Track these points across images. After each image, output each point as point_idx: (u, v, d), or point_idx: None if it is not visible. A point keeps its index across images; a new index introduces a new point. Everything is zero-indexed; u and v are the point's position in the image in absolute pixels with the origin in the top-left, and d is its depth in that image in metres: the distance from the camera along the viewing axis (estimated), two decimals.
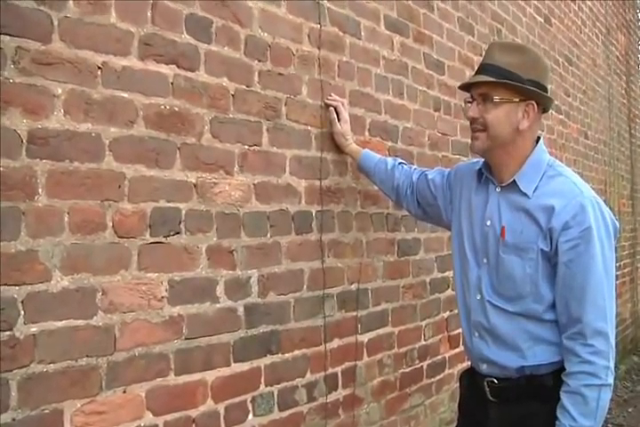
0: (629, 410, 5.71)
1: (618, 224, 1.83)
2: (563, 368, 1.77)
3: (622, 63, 7.08)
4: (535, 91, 1.78)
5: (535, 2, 4.45)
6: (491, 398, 1.89)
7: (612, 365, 1.71)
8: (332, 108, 2.37)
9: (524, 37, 4.23)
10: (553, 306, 1.79)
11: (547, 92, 1.83)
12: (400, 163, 2.39)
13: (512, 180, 1.84)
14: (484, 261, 1.89)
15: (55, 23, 1.51)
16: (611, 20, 6.60)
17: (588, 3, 5.79)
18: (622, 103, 6.98)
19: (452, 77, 3.32)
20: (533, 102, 1.80)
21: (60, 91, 1.53)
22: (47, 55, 1.50)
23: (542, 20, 4.58)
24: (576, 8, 5.41)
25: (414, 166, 2.42)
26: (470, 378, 2.02)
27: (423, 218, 2.44)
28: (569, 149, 5.01)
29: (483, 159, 1.96)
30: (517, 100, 1.78)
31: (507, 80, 1.76)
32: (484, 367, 1.92)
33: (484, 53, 3.56)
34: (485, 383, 1.90)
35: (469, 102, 1.85)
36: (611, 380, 1.71)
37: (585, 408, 1.69)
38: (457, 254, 2.01)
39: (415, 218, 2.57)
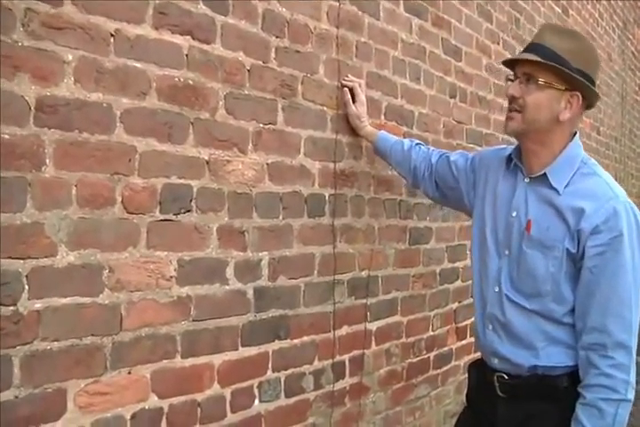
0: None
1: None
2: (575, 372, 1.70)
3: (637, 59, 6.97)
4: (582, 81, 1.66)
5: None
6: (500, 393, 1.81)
7: (632, 380, 1.61)
8: (346, 89, 2.29)
9: None
10: (574, 310, 1.70)
11: (594, 87, 1.70)
12: (417, 144, 2.30)
13: (543, 172, 1.73)
14: (506, 252, 1.78)
15: None
16: (628, 15, 6.49)
17: None
18: (635, 100, 6.88)
19: (469, 65, 3.24)
20: (578, 94, 1.68)
21: (70, 57, 1.45)
22: (58, 19, 1.42)
23: (560, 11, 4.49)
24: (594, 0, 5.31)
25: (432, 148, 2.32)
26: (480, 371, 1.92)
27: (441, 201, 2.34)
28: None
29: (510, 146, 1.87)
30: (563, 88, 1.66)
31: (555, 63, 1.64)
32: (495, 362, 1.83)
33: (501, 42, 3.55)
34: (495, 378, 1.82)
35: (511, 80, 1.74)
36: (631, 395, 1.60)
37: (600, 422, 1.60)
38: (477, 242, 1.90)
39: (433, 201, 2.47)
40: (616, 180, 5.40)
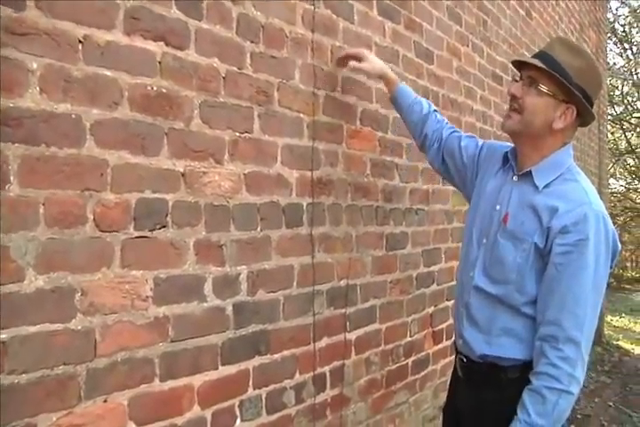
0: (596, 400, 5.69)
1: (620, 247, 1.77)
2: (527, 366, 1.75)
3: None
4: (579, 97, 1.72)
5: None
6: (460, 375, 1.95)
7: (577, 375, 1.66)
8: (347, 56, 2.25)
9: (508, 30, 4.08)
10: (534, 302, 1.75)
11: (591, 106, 1.77)
12: (434, 110, 2.29)
13: (529, 170, 1.80)
14: (484, 241, 1.87)
15: None
16: (584, 18, 6.50)
17: None
18: None
19: (441, 67, 3.16)
20: (574, 108, 1.75)
21: (35, 65, 1.32)
22: (21, 24, 1.28)
23: (524, 14, 4.44)
24: (554, 3, 5.29)
25: (445, 119, 2.30)
26: (455, 352, 2.04)
27: (445, 176, 2.33)
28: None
29: (510, 144, 1.95)
30: (560, 98, 1.74)
31: (557, 74, 1.71)
32: (460, 343, 1.94)
33: (470, 44, 3.47)
34: (458, 360, 1.96)
35: (516, 80, 1.82)
36: (573, 389, 1.66)
37: (542, 408, 1.66)
38: (466, 230, 1.99)
39: (437, 173, 2.42)
40: None
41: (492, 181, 1.94)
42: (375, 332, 2.63)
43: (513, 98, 1.79)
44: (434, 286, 3.13)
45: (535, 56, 1.80)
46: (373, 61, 2.27)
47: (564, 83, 1.71)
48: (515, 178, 1.85)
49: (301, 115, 2.12)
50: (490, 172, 1.98)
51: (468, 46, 3.47)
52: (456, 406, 2.01)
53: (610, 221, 1.72)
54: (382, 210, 2.65)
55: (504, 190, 1.86)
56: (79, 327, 1.42)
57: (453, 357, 2.07)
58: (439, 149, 2.23)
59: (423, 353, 3.06)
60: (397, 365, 2.82)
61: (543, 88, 1.73)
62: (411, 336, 2.94)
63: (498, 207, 1.85)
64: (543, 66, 1.72)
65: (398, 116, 2.73)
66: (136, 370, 1.56)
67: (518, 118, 1.78)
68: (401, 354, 2.85)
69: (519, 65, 1.83)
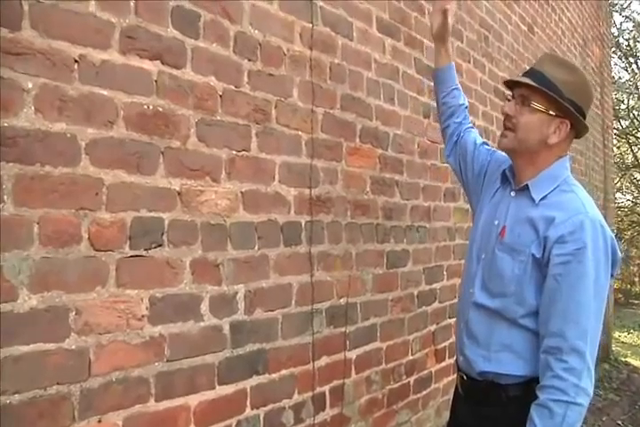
0: (604, 419, 5.62)
1: (620, 255, 1.76)
2: (528, 384, 1.73)
3: (597, 75, 7.03)
4: (571, 110, 1.74)
5: (520, 11, 4.33)
6: (461, 392, 1.94)
7: (584, 385, 1.63)
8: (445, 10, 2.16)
9: (510, 45, 4.11)
10: (533, 314, 1.75)
11: (584, 118, 1.79)
12: (466, 106, 2.27)
13: (525, 184, 1.82)
14: (483, 256, 1.88)
15: (25, 8, 1.31)
16: (587, 32, 6.53)
17: (568, 14, 5.71)
18: (597, 114, 6.92)
19: None
20: (567, 122, 1.76)
21: (30, 85, 1.33)
22: (16, 44, 1.30)
23: (526, 29, 4.47)
24: (556, 18, 5.32)
25: (468, 117, 2.27)
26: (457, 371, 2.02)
27: (455, 171, 2.25)
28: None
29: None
30: (554, 114, 1.75)
31: (548, 90, 1.73)
32: (460, 360, 1.93)
33: (472, 60, 3.49)
34: (458, 377, 1.95)
35: (508, 100, 1.84)
36: (581, 400, 1.63)
37: (550, 422, 1.64)
38: (468, 247, 2.00)
39: (449, 165, 2.32)
40: None
41: (493, 197, 1.96)
42: (376, 350, 2.63)
43: (507, 117, 1.82)
44: (436, 304, 3.12)
45: (525, 74, 1.82)
46: (452, 19, 2.21)
47: (557, 98, 1.73)
48: (512, 193, 1.87)
49: (299, 132, 2.13)
50: (491, 188, 1.99)
51: (469, 62, 3.49)
52: (458, 425, 1.99)
53: (608, 229, 1.71)
54: (382, 227, 2.65)
55: (502, 205, 1.88)
56: (73, 347, 1.42)
57: (456, 374, 2.05)
58: (456, 144, 2.20)
59: (425, 371, 3.05)
60: (399, 383, 2.81)
61: (536, 105, 1.75)
62: (412, 354, 2.92)
63: (496, 222, 1.87)
64: (534, 84, 1.74)
65: (399, 133, 2.76)
66: (131, 390, 1.56)
67: (513, 136, 1.80)
68: (402, 373, 2.84)
69: (511, 84, 1.85)
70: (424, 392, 3.03)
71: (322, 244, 2.25)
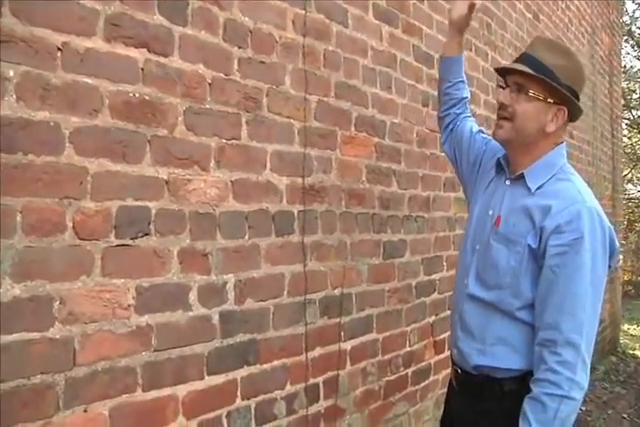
0: (609, 412, 5.62)
1: (618, 245, 1.75)
2: (524, 378, 1.72)
3: (606, 63, 6.98)
4: (570, 97, 1.72)
5: None
6: (455, 386, 1.93)
7: (579, 379, 1.62)
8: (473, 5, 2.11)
9: (514, 33, 4.09)
10: (529, 306, 1.73)
11: (578, 101, 1.77)
12: (468, 100, 2.24)
13: (521, 173, 1.79)
14: (477, 247, 1.86)
15: None
16: (596, 20, 6.49)
17: (575, 2, 5.67)
18: (605, 103, 6.88)
19: None
20: (565, 108, 1.74)
21: (12, 73, 1.34)
22: None
23: (531, 17, 4.45)
24: (563, 6, 5.28)
25: (467, 109, 2.23)
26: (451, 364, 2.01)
27: (450, 160, 2.22)
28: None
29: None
30: (551, 101, 1.73)
31: (545, 77, 1.70)
32: (454, 353, 1.91)
33: (473, 48, 3.48)
34: (452, 370, 1.94)
35: (501, 87, 1.80)
36: (575, 394, 1.63)
37: (543, 416, 1.63)
38: (464, 237, 1.98)
39: (445, 154, 2.29)
40: (589, 182, 5.32)
41: (487, 187, 1.94)
42: (372, 342, 2.64)
43: (502, 106, 1.78)
44: (435, 295, 3.13)
45: (518, 60, 1.78)
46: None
47: (554, 86, 1.70)
48: (507, 182, 1.84)
49: (292, 120, 2.14)
50: (486, 178, 1.97)
51: (471, 50, 3.48)
52: (452, 419, 1.99)
53: (605, 219, 1.69)
54: (379, 217, 2.66)
55: (497, 195, 1.86)
56: (57, 336, 1.44)
57: (450, 368, 2.04)
58: (452, 133, 2.18)
59: (424, 363, 3.06)
60: (396, 375, 2.82)
61: (533, 93, 1.72)
62: (410, 346, 2.94)
63: (491, 212, 1.85)
64: (531, 71, 1.71)
65: (396, 121, 2.75)
66: (117, 380, 1.57)
67: (510, 126, 1.76)
68: (400, 364, 2.85)
69: (503, 71, 1.81)
70: (422, 384, 3.05)
71: (315, 233, 2.26)
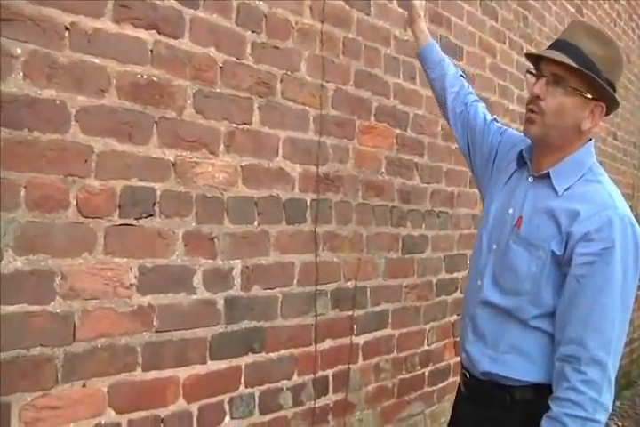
0: None
1: None
2: (537, 388, 1.67)
3: None
4: (611, 92, 1.64)
5: None
6: (464, 391, 1.87)
7: (603, 400, 1.55)
8: None
9: (553, 28, 4.08)
10: (548, 315, 1.66)
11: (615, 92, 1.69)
12: (461, 75, 2.19)
13: (547, 172, 1.70)
14: (494, 247, 1.78)
15: None
16: None
17: None
18: None
19: (471, 64, 3.20)
20: (603, 105, 1.66)
21: (19, 51, 1.43)
22: (5, 10, 1.40)
23: (574, 10, 4.43)
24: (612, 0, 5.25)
25: (467, 83, 2.18)
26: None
27: (462, 150, 2.14)
28: (595, 149, 4.84)
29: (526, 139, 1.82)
30: (590, 97, 1.63)
31: (589, 72, 1.60)
32: (463, 356, 1.85)
33: (507, 40, 3.50)
34: (460, 374, 1.89)
35: (534, 76, 1.70)
36: (599, 416, 1.55)
37: None
38: (478, 234, 1.90)
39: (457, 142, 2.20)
40: (635, 186, 5.22)
41: (507, 182, 1.85)
42: (387, 338, 2.68)
43: (535, 99, 1.66)
44: (457, 294, 3.15)
45: (556, 47, 1.66)
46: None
47: (598, 81, 1.60)
48: (530, 179, 1.75)
49: (307, 107, 2.20)
50: (505, 172, 1.88)
51: (504, 43, 3.50)
52: (458, 424, 1.94)
53: (637, 226, 1.61)
54: (398, 210, 2.70)
55: (518, 192, 1.77)
56: (58, 311, 1.52)
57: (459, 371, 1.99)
58: (462, 120, 2.09)
59: (443, 363, 3.09)
60: (412, 374, 2.86)
61: (573, 87, 1.62)
62: (428, 345, 2.97)
63: (510, 211, 1.76)
64: (574, 64, 1.60)
65: (420, 113, 2.79)
66: (117, 357, 1.65)
67: (542, 121, 1.66)
68: (416, 363, 2.89)
69: (536, 58, 1.71)
70: (440, 385, 3.07)
71: (328, 223, 2.32)
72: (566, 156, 1.70)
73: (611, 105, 1.68)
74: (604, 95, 1.64)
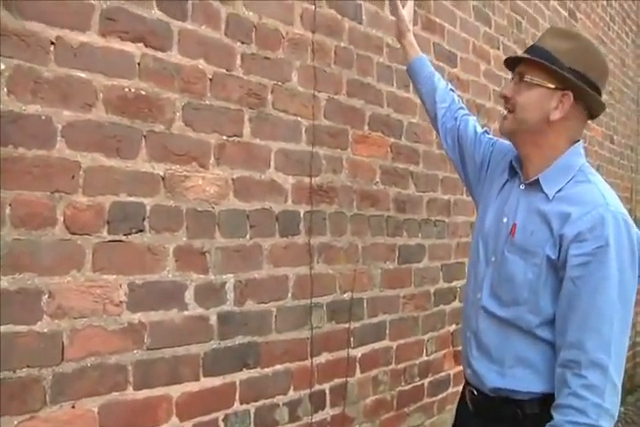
0: None
1: None
2: (546, 400, 1.63)
3: None
4: (572, 80, 1.64)
5: None
6: (471, 407, 1.82)
7: (608, 405, 1.51)
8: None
9: None
10: (550, 323, 1.64)
11: (595, 90, 1.69)
12: (451, 89, 2.22)
13: (536, 178, 1.71)
14: (492, 259, 1.77)
15: None
16: None
17: None
18: None
19: (465, 71, 3.18)
20: (570, 93, 1.66)
21: (3, 66, 1.41)
22: None
23: (567, 15, 4.42)
24: (604, 3, 5.24)
25: (457, 97, 2.21)
26: (464, 381, 1.91)
27: (454, 162, 2.17)
28: (592, 153, 4.84)
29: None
30: (553, 86, 1.66)
31: (539, 59, 1.65)
32: (468, 373, 1.82)
33: (501, 46, 3.49)
34: (467, 392, 1.84)
35: (512, 80, 1.78)
36: (603, 423, 1.51)
37: None
38: (473, 246, 1.89)
39: (448, 158, 2.26)
40: (633, 190, 5.20)
41: (500, 192, 1.86)
42: (384, 349, 2.65)
43: (506, 99, 1.74)
44: (455, 303, 3.13)
45: (524, 51, 1.77)
46: (408, 7, 2.27)
47: (551, 67, 1.64)
48: (522, 186, 1.76)
49: (299, 118, 2.18)
50: (497, 182, 1.89)
51: (498, 49, 3.49)
52: None
53: (632, 223, 1.60)
54: (394, 220, 2.68)
55: (511, 200, 1.78)
56: (45, 330, 1.50)
57: (463, 387, 1.94)
58: (453, 134, 2.13)
59: (442, 374, 3.06)
60: (411, 385, 2.83)
61: (532, 79, 1.67)
62: (427, 355, 2.94)
63: (505, 220, 1.76)
64: (527, 56, 1.69)
65: (414, 121, 2.78)
66: (107, 377, 1.62)
67: (513, 118, 1.72)
68: (415, 374, 2.86)
69: (510, 64, 1.79)
70: (440, 396, 3.05)
71: (323, 235, 2.29)
72: (552, 160, 1.71)
73: (588, 100, 1.69)
74: (568, 84, 1.66)
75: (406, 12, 2.27)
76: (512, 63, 1.78)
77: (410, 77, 2.32)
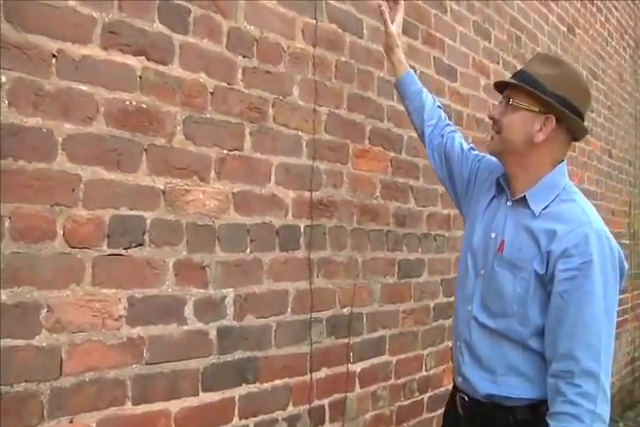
0: None
1: (627, 266, 1.74)
2: (536, 407, 1.71)
3: None
4: (554, 104, 1.73)
5: (558, 10, 4.32)
6: (462, 414, 1.89)
7: (600, 411, 1.59)
8: (383, 9, 2.26)
9: (546, 47, 4.09)
10: (539, 334, 1.72)
11: (578, 115, 1.77)
12: (439, 106, 2.27)
13: (523, 195, 1.80)
14: (482, 272, 1.85)
15: (0, 1, 1.39)
16: None
17: (616, 14, 5.65)
18: None
19: (465, 85, 3.19)
20: (552, 117, 1.75)
21: (4, 79, 1.40)
22: None
23: (565, 30, 4.45)
24: (603, 19, 5.27)
25: (444, 114, 2.26)
26: (453, 388, 1.99)
27: (441, 180, 2.22)
28: (591, 167, 4.85)
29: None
30: (537, 110, 1.75)
31: (524, 85, 1.74)
32: (459, 380, 1.90)
33: (501, 61, 3.51)
34: (458, 398, 1.90)
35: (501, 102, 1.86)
36: None
37: None
38: (462, 259, 1.97)
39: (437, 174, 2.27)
40: (631, 204, 5.23)
41: (487, 207, 1.93)
42: (384, 364, 2.64)
43: (494, 121, 1.84)
44: None
45: (512, 76, 1.86)
46: (397, 24, 2.30)
47: (536, 93, 1.73)
48: (509, 203, 1.85)
49: (300, 132, 2.18)
50: (484, 197, 1.96)
51: (498, 64, 3.50)
52: None
53: (613, 240, 1.70)
54: (394, 235, 2.67)
55: (499, 216, 1.85)
56: (44, 344, 1.48)
57: (452, 394, 1.99)
58: (440, 151, 2.17)
59: (442, 389, 3.04)
60: (410, 400, 2.81)
61: (517, 103, 1.76)
62: (427, 370, 2.92)
63: (493, 235, 1.84)
64: (513, 81, 1.78)
65: (414, 135, 2.77)
66: (106, 391, 1.61)
67: (498, 138, 1.82)
68: (415, 389, 2.84)
69: (499, 88, 1.88)
70: (439, 411, 3.00)
71: (323, 250, 2.28)
72: (537, 179, 1.80)
73: (569, 123, 1.77)
74: (550, 108, 1.74)
75: (395, 27, 2.28)
76: (501, 87, 1.87)
77: (398, 92, 2.36)
